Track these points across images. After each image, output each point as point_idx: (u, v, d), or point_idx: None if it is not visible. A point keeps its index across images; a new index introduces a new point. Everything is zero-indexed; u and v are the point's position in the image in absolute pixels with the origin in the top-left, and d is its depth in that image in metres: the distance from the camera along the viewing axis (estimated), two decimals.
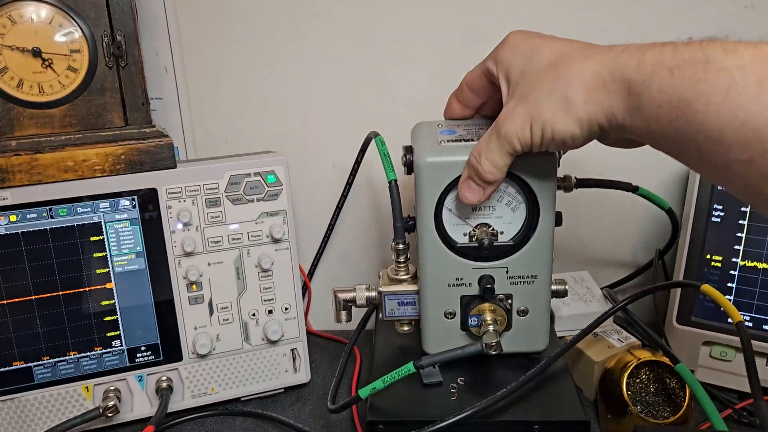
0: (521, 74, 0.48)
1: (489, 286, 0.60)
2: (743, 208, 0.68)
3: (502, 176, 0.52)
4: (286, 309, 0.72)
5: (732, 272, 0.69)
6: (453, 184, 0.58)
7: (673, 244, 0.77)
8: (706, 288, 0.60)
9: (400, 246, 0.63)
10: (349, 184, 0.83)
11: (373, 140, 0.65)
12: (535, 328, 0.63)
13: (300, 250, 0.85)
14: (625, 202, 0.80)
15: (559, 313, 0.74)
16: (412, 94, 0.80)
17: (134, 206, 0.65)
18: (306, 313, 0.88)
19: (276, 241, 0.69)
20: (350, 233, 0.87)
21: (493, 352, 0.57)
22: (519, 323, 0.63)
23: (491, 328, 0.60)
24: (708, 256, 0.70)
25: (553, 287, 0.64)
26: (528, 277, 0.61)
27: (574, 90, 0.44)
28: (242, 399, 0.73)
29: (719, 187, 0.69)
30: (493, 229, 0.60)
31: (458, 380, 0.63)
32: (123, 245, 0.65)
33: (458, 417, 0.56)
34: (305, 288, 0.87)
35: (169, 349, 0.68)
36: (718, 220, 0.69)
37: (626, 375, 0.64)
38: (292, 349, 0.73)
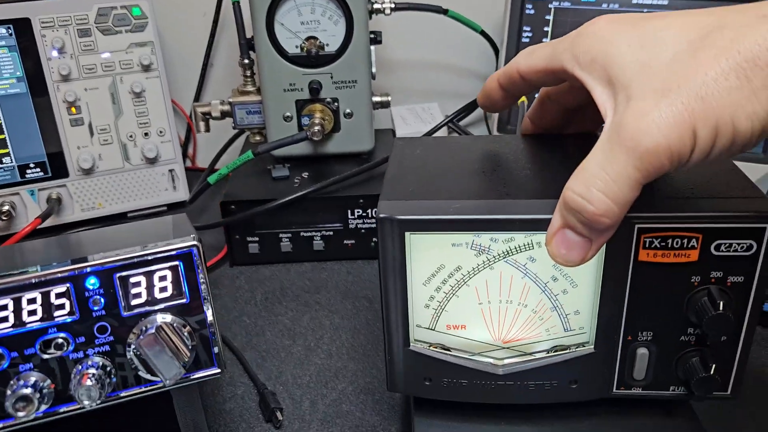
0: (641, 68, 0.34)
1: (316, 87, 0.71)
2: (546, 28, 0.80)
3: (621, 219, 0.34)
4: (161, 132, 0.82)
5: None
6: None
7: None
8: None
9: (246, 61, 0.74)
10: (216, 13, 0.91)
11: None
12: (360, 130, 0.75)
13: (180, 93, 0.95)
14: (461, 34, 0.90)
15: (400, 131, 0.86)
16: None
17: (11, 34, 0.73)
18: (194, 155, 0.99)
19: (146, 69, 0.79)
20: (224, 71, 0.97)
21: (316, 138, 0.69)
22: (346, 125, 0.75)
23: (317, 120, 0.71)
24: None
25: (378, 98, 0.76)
26: (350, 82, 0.72)
27: (757, 68, 0.31)
28: (129, 215, 0.84)
29: (527, 11, 0.81)
30: (320, 42, 0.71)
31: (302, 175, 0.75)
32: (4, 70, 0.73)
33: (296, 195, 0.68)
34: (189, 130, 0.97)
35: (56, 166, 0.78)
36: (528, 40, 0.81)
37: None
38: (170, 170, 0.84)
